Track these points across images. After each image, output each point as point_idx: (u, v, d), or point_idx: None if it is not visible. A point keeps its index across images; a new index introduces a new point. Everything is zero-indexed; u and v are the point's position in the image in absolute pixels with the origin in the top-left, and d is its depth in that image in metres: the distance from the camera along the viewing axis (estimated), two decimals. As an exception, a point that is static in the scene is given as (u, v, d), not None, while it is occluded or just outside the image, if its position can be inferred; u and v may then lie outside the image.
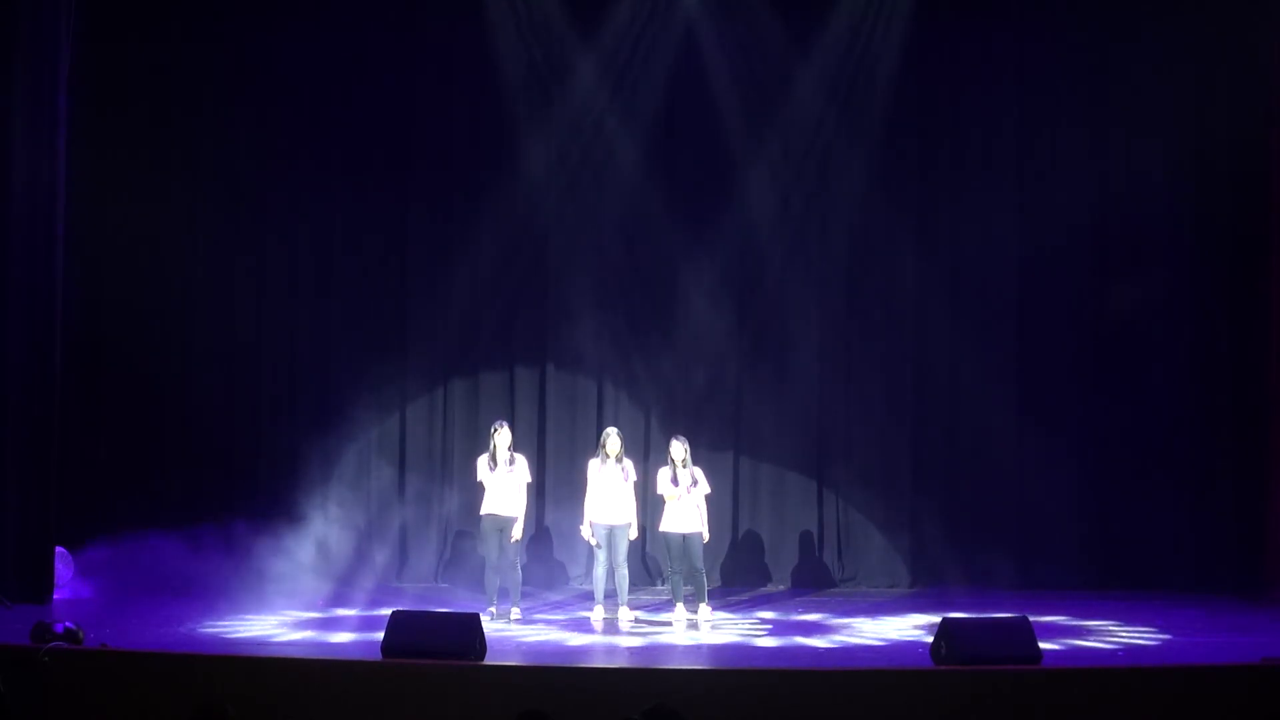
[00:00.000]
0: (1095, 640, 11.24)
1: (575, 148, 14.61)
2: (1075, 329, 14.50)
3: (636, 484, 12.44)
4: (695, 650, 11.07)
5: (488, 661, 9.43)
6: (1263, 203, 13.96)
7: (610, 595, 12.21)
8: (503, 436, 12.30)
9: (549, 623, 12.15)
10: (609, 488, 12.18)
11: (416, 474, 14.56)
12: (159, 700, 8.78)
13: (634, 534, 12.36)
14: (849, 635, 11.56)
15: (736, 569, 14.44)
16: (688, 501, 12.23)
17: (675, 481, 12.22)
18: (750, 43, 14.53)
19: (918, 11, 14.39)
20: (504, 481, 12.19)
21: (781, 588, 14.33)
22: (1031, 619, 9.73)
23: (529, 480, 12.49)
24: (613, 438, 12.30)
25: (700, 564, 12.27)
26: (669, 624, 12.01)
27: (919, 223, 14.59)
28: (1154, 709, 8.82)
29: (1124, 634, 11.54)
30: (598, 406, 14.58)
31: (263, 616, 11.91)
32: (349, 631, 11.27)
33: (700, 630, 11.82)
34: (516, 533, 12.18)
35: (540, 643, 11.15)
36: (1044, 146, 14.52)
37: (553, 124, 14.59)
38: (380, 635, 9.59)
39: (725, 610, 12.73)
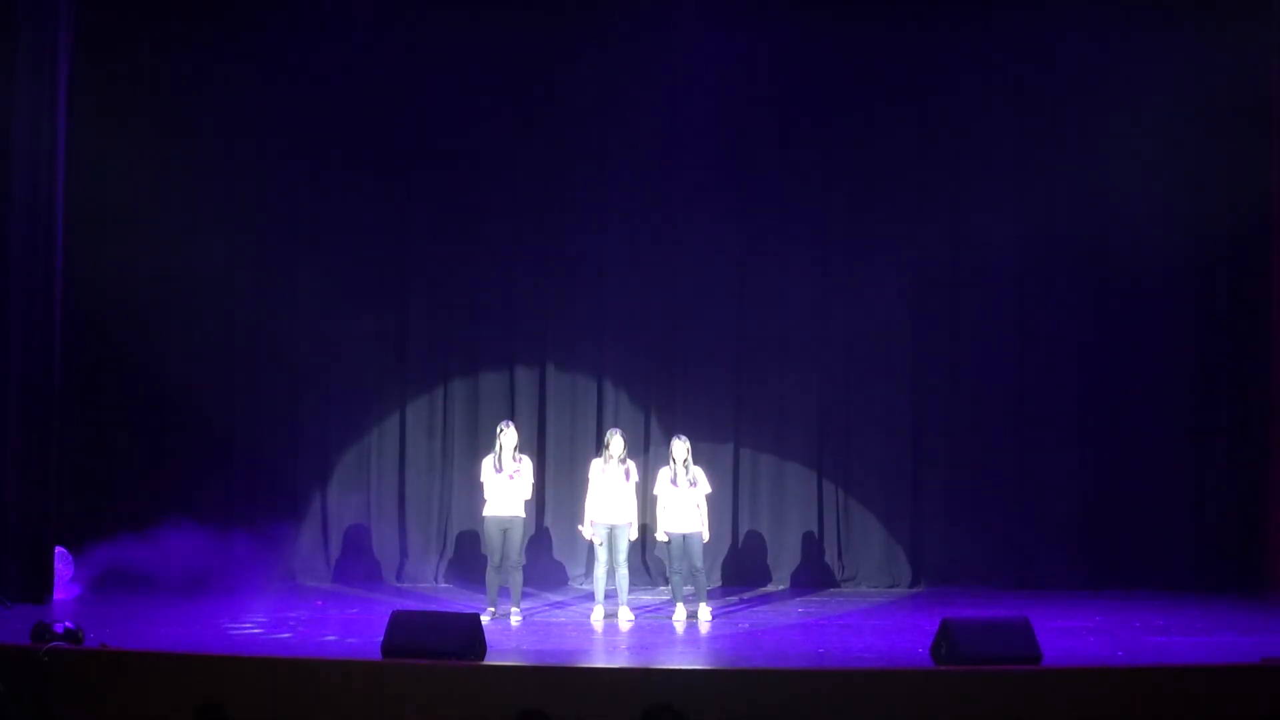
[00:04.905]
0: (1095, 640, 11.24)
1: (576, 146, 14.61)
2: (1075, 328, 14.49)
3: (638, 484, 12.47)
4: (695, 650, 11.08)
5: (488, 661, 9.43)
6: (1264, 201, 13.99)
7: (610, 595, 12.22)
8: (508, 437, 12.31)
9: (549, 623, 12.15)
10: (611, 488, 12.19)
11: (416, 474, 14.56)
12: (159, 700, 8.80)
13: (634, 534, 12.37)
14: (849, 635, 11.56)
15: (736, 569, 14.43)
16: (687, 501, 12.24)
17: (675, 482, 12.24)
18: (753, 41, 14.54)
19: (918, 12, 14.40)
20: (508, 483, 12.18)
21: (781, 588, 14.33)
22: (1031, 619, 9.74)
23: (532, 481, 12.50)
24: (616, 438, 12.31)
25: (700, 564, 12.28)
26: (669, 624, 12.02)
27: (919, 221, 14.56)
28: (1154, 709, 8.82)
29: (1124, 634, 11.54)
30: (598, 406, 14.57)
31: (263, 616, 11.90)
32: (348, 631, 11.27)
33: (700, 630, 11.83)
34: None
35: (540, 643, 11.16)
36: (1045, 146, 14.48)
37: (554, 122, 14.59)
38: (380, 635, 9.60)
39: (725, 610, 12.73)
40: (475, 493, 12.82)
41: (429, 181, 14.65)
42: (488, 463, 12.33)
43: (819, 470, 14.58)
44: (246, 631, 11.24)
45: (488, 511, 12.27)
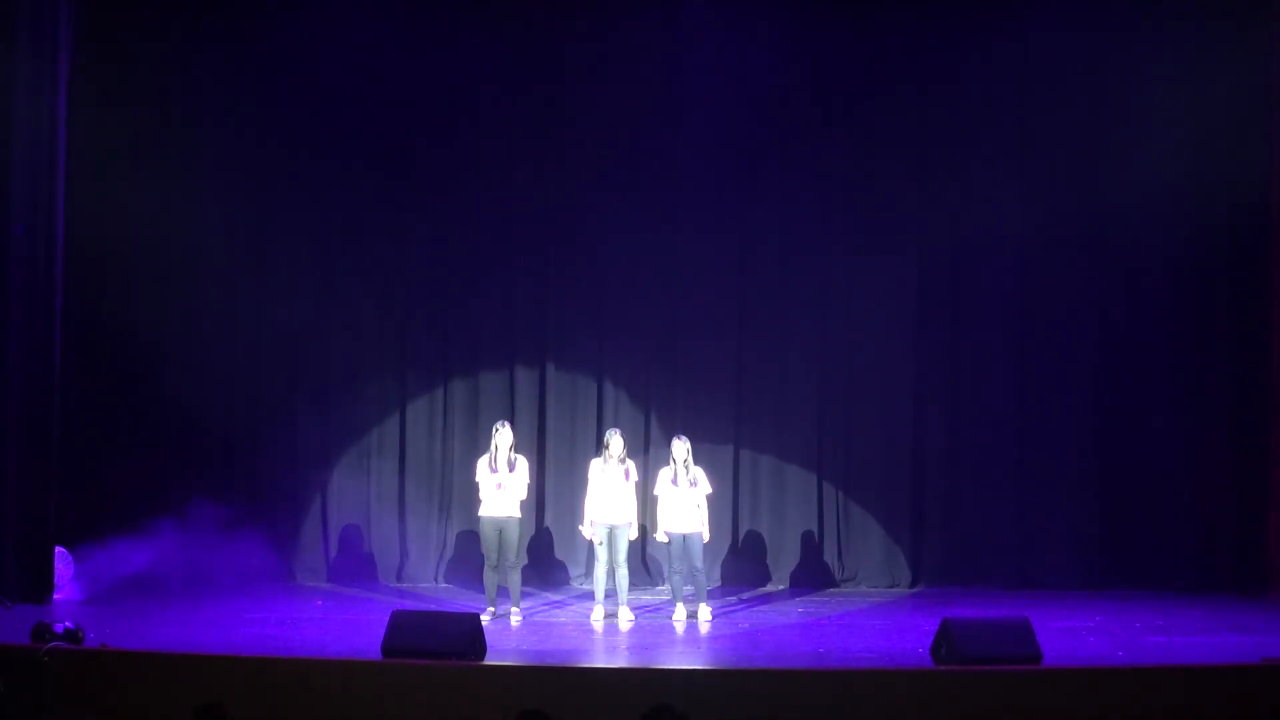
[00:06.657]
0: (1095, 640, 11.23)
1: (576, 146, 14.60)
2: (1076, 328, 14.48)
3: (638, 484, 12.47)
4: (695, 650, 11.08)
5: (488, 661, 9.43)
6: (1264, 201, 13.99)
7: (610, 595, 12.22)
8: (504, 437, 12.31)
9: (549, 623, 12.16)
10: (610, 487, 12.19)
11: (416, 473, 14.56)
12: (159, 700, 8.80)
13: (634, 534, 12.37)
14: (849, 635, 11.56)
15: (736, 569, 14.43)
16: (688, 501, 12.25)
17: (675, 481, 12.25)
18: (751, 39, 14.52)
19: (920, 8, 14.40)
20: (503, 483, 12.18)
21: (781, 588, 14.32)
22: (1031, 619, 9.73)
23: (528, 482, 12.50)
24: (616, 438, 12.32)
25: (700, 564, 12.28)
26: (669, 624, 12.02)
27: (920, 221, 14.56)
28: (1154, 709, 8.84)
29: (1124, 634, 11.54)
30: (598, 406, 14.57)
31: (262, 616, 11.91)
32: (348, 631, 11.27)
33: (700, 630, 11.83)
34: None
35: (540, 643, 11.16)
36: (1046, 146, 14.46)
37: (553, 123, 14.58)
38: (380, 635, 9.60)
39: (725, 610, 12.73)
40: (474, 492, 12.82)
41: (429, 180, 14.64)
42: (483, 463, 12.33)
43: (819, 470, 14.57)
44: (246, 631, 11.23)
45: (483, 512, 12.27)
